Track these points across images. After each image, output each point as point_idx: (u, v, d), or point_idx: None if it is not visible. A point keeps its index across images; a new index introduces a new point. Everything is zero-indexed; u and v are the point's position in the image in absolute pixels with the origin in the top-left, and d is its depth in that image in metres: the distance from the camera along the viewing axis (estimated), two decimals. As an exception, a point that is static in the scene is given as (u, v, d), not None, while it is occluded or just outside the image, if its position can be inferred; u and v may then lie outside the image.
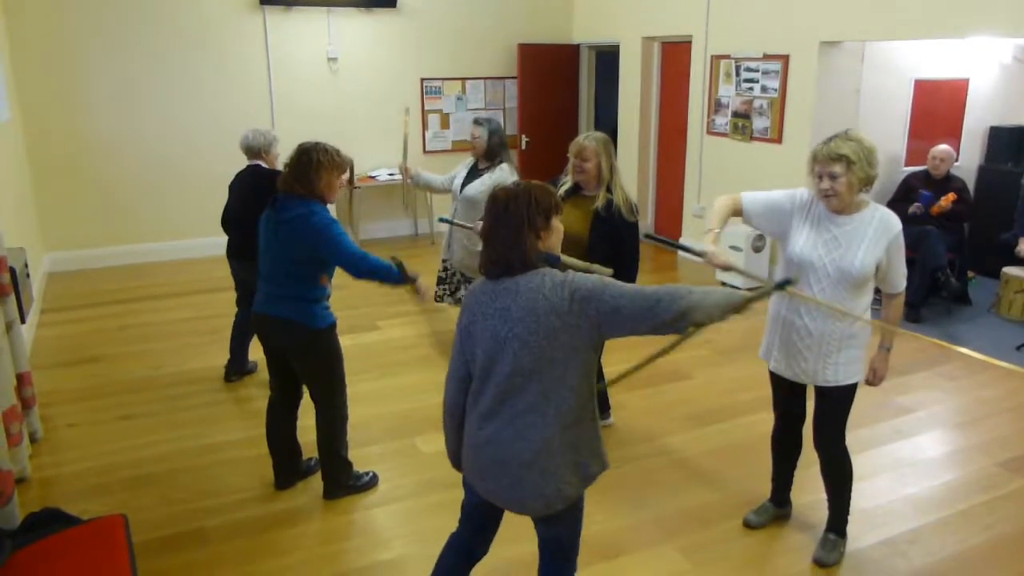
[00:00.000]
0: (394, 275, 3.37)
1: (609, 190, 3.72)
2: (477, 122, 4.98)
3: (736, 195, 3.14)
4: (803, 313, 2.96)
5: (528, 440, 2.19)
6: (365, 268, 3.30)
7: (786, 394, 3.21)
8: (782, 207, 3.03)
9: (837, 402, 3.05)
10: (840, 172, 2.76)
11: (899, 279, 2.96)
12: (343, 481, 3.69)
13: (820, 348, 2.95)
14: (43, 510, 3.08)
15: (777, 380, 3.20)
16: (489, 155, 4.94)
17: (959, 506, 3.62)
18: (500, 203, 2.23)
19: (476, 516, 2.51)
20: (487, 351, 2.24)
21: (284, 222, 3.32)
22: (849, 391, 3.04)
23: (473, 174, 5.03)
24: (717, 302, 2.15)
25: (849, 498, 3.20)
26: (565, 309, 2.13)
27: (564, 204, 3.81)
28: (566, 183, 3.88)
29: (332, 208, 3.53)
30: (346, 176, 3.51)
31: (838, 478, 3.17)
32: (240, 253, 4.66)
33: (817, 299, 2.86)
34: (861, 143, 2.79)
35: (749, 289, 2.44)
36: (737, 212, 3.09)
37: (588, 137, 3.78)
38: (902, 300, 3.04)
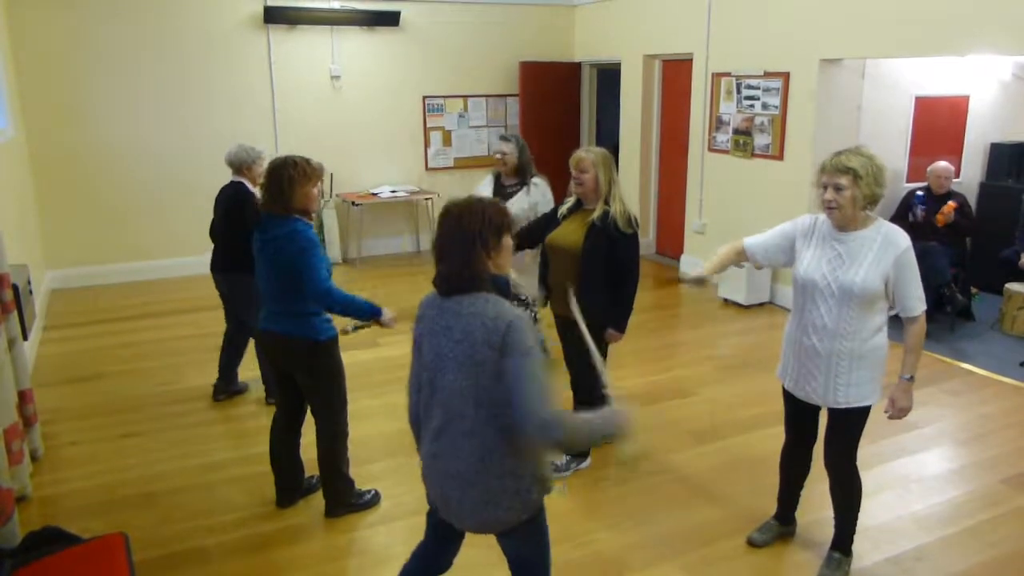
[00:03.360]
0: (364, 311, 3.39)
1: (608, 203, 3.74)
2: (504, 138, 4.77)
3: (738, 241, 3.17)
4: (811, 333, 2.92)
5: (467, 462, 2.18)
6: (330, 302, 3.32)
7: (797, 414, 3.17)
8: (786, 235, 3.06)
9: (848, 424, 2.99)
10: (846, 185, 2.73)
11: (913, 301, 2.82)
12: (344, 499, 3.67)
13: (829, 369, 2.90)
14: (43, 529, 3.07)
15: (789, 398, 3.16)
16: (519, 172, 4.71)
17: (964, 523, 3.60)
18: (452, 217, 2.22)
19: (439, 528, 2.48)
20: (431, 367, 2.25)
21: (268, 242, 3.37)
22: (860, 414, 2.97)
23: (499, 191, 4.73)
24: (585, 440, 2.23)
25: (856, 517, 3.16)
26: (497, 343, 2.10)
27: (565, 219, 3.80)
28: (569, 202, 3.93)
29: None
30: (320, 186, 3.54)
31: (847, 499, 3.13)
32: (218, 266, 4.71)
33: (588, 342, 2.57)
34: (872, 160, 2.76)
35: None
36: (741, 257, 3.17)
37: (587, 150, 3.83)
38: (921, 326, 2.87)
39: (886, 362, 2.95)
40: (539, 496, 2.28)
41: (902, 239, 2.79)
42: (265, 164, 4.13)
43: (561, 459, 3.99)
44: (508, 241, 2.26)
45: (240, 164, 4.62)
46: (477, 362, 2.13)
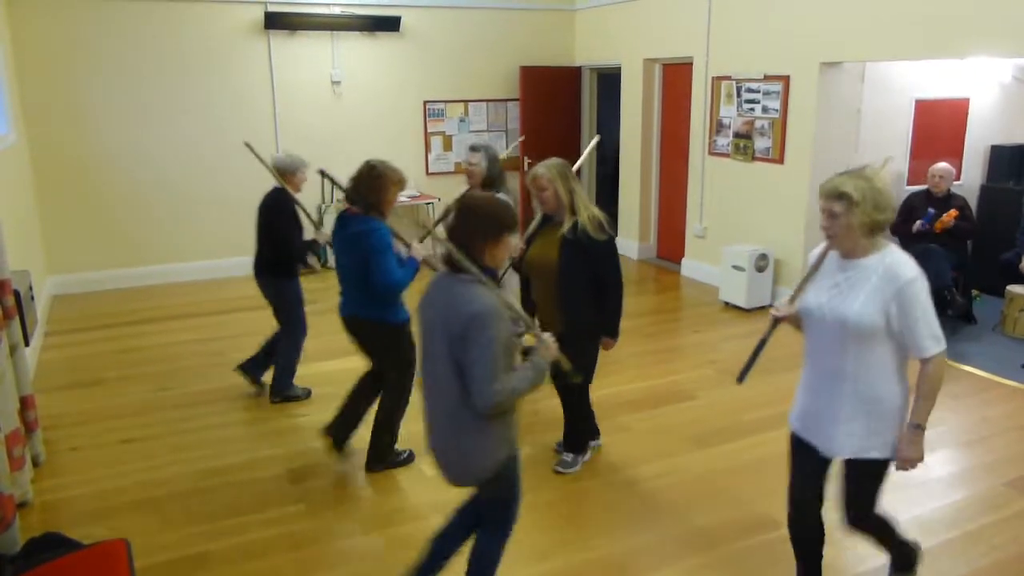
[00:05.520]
0: (411, 275, 3.80)
1: (574, 213, 3.67)
2: (474, 148, 4.70)
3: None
4: (814, 369, 2.70)
5: (445, 422, 2.57)
6: (393, 293, 3.78)
7: (801, 465, 2.81)
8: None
9: (860, 479, 2.68)
10: (840, 211, 2.46)
11: (923, 340, 2.47)
12: (384, 457, 4.09)
13: (832, 411, 2.62)
14: (44, 535, 3.07)
15: (794, 446, 2.82)
16: (487, 183, 4.64)
17: (967, 527, 3.59)
18: (465, 206, 2.59)
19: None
20: (424, 334, 2.61)
21: (346, 238, 3.83)
22: (873, 467, 2.64)
23: None
24: (532, 385, 2.51)
25: (901, 540, 2.92)
26: (465, 326, 2.40)
27: (538, 236, 3.82)
28: (537, 219, 3.87)
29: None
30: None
31: (883, 540, 2.90)
32: (260, 271, 4.84)
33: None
34: (870, 183, 2.46)
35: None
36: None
37: (543, 165, 3.73)
38: (937, 369, 2.52)
39: (902, 414, 2.60)
40: (506, 454, 2.59)
41: (906, 270, 2.46)
42: (307, 173, 4.72)
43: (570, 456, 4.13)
44: (508, 239, 2.55)
45: (284, 171, 4.76)
46: (451, 335, 2.44)
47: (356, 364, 5.46)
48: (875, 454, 2.60)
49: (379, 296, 3.78)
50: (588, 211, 3.68)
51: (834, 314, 2.53)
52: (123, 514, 3.73)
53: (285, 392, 4.99)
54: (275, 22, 7.77)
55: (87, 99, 7.36)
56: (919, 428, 2.56)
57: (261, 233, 4.79)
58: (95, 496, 3.90)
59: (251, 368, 5.07)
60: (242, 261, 8.16)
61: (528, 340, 2.74)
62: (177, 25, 7.53)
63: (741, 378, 2.85)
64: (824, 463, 2.74)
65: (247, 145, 4.98)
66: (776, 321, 2.71)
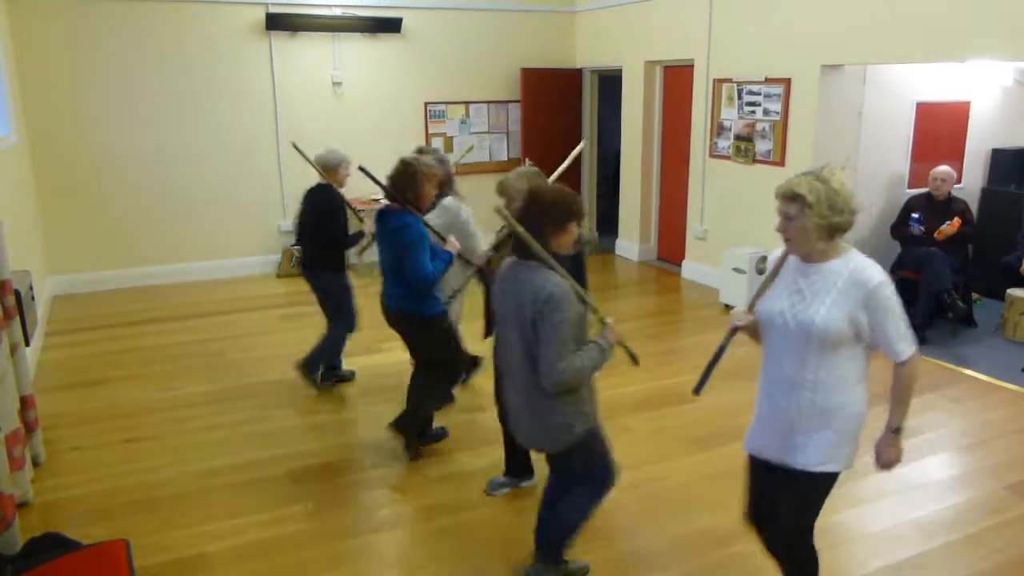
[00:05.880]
0: (444, 268, 3.92)
1: None
2: (422, 151, 4.54)
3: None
4: (771, 378, 2.58)
5: (524, 397, 2.80)
6: (428, 285, 3.87)
7: (754, 484, 2.74)
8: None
9: (803, 492, 2.56)
10: (794, 214, 2.36)
11: (897, 343, 2.39)
12: (410, 430, 4.22)
13: (789, 421, 2.50)
14: (44, 535, 3.07)
15: (749, 467, 2.76)
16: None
17: (967, 530, 3.59)
18: (534, 195, 2.76)
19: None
20: (500, 320, 2.84)
21: (385, 234, 3.98)
22: (820, 481, 2.52)
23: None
24: (593, 367, 2.70)
25: None
26: (538, 310, 2.60)
27: (504, 245, 3.66)
28: (505, 229, 3.66)
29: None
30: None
31: None
32: (308, 265, 5.00)
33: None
34: (828, 184, 2.35)
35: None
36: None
37: (514, 174, 3.60)
38: (911, 371, 2.44)
39: (861, 425, 2.52)
40: (583, 427, 2.80)
41: (872, 275, 2.36)
42: (351, 168, 4.76)
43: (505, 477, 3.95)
44: (573, 228, 2.73)
45: (327, 167, 4.86)
46: (524, 320, 2.66)
47: (367, 363, 5.49)
48: (830, 467, 2.50)
49: (414, 289, 3.90)
50: None
51: (797, 321, 2.41)
52: (123, 514, 3.73)
53: (311, 375, 5.02)
54: (276, 23, 7.77)
55: (88, 99, 7.36)
56: (898, 431, 2.51)
57: (308, 229, 4.88)
58: (95, 496, 3.90)
59: (331, 370, 5.17)
60: (243, 262, 8.20)
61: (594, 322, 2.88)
62: (178, 26, 7.53)
63: (697, 390, 2.76)
64: (775, 479, 2.63)
65: (294, 145, 5.23)
66: (735, 330, 2.61)
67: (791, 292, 2.46)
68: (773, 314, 2.49)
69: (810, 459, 2.48)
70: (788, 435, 2.52)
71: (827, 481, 2.53)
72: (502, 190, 3.63)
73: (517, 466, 3.93)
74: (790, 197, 2.39)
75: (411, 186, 3.91)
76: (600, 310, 2.84)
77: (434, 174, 3.98)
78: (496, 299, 2.84)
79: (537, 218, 2.68)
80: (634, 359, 3.06)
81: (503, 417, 3.81)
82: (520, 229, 2.65)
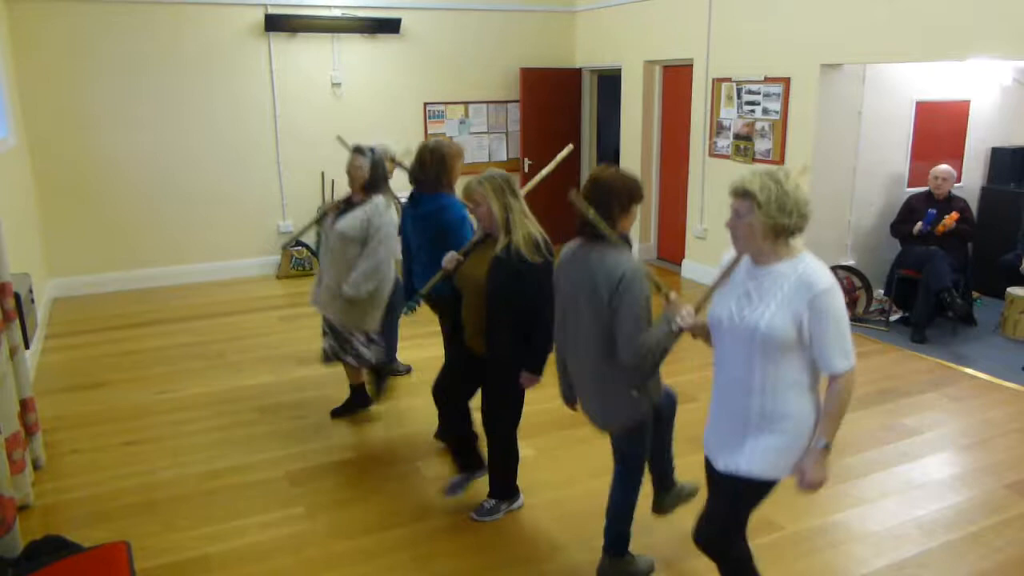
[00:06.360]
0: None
1: (509, 231, 3.32)
2: (359, 151, 4.32)
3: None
4: (719, 381, 2.53)
5: (588, 376, 2.95)
6: None
7: (710, 482, 2.67)
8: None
9: (737, 496, 2.48)
10: (743, 212, 2.31)
11: (832, 355, 2.27)
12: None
13: (738, 425, 2.43)
14: (45, 537, 3.07)
15: (708, 470, 2.66)
16: (368, 187, 4.30)
17: (968, 529, 3.59)
18: (601, 178, 2.85)
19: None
20: (563, 302, 2.97)
21: (417, 217, 4.02)
22: (757, 489, 2.45)
23: (347, 207, 4.37)
24: (665, 342, 2.64)
25: None
26: (613, 288, 2.72)
27: (474, 252, 3.54)
28: (478, 232, 3.61)
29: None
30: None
31: None
32: None
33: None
34: (781, 185, 2.29)
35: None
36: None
37: (478, 178, 3.42)
38: (845, 386, 2.30)
39: (808, 434, 2.40)
40: (647, 406, 2.94)
41: (821, 279, 2.26)
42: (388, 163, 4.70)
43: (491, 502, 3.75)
44: (636, 210, 2.88)
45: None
46: (597, 301, 2.77)
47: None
48: (769, 475, 2.42)
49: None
50: (524, 230, 3.31)
51: (744, 323, 2.34)
52: (124, 517, 3.73)
53: (390, 366, 4.96)
54: (275, 24, 7.77)
55: (87, 101, 7.36)
56: (826, 448, 2.35)
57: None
58: (96, 499, 3.90)
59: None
60: (243, 263, 8.20)
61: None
62: (178, 27, 7.53)
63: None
64: (719, 478, 2.55)
65: (339, 139, 5.31)
66: (679, 331, 2.56)
67: (739, 295, 2.39)
68: (722, 317, 2.42)
69: (754, 465, 2.40)
70: (737, 437, 2.43)
71: (766, 488, 2.46)
72: (467, 195, 3.48)
73: (465, 460, 3.87)
74: (741, 193, 2.34)
75: (440, 168, 4.00)
76: (664, 286, 2.75)
77: (459, 151, 4.10)
78: (560, 281, 2.96)
79: (605, 200, 2.78)
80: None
81: (442, 417, 3.95)
82: (592, 213, 2.74)
